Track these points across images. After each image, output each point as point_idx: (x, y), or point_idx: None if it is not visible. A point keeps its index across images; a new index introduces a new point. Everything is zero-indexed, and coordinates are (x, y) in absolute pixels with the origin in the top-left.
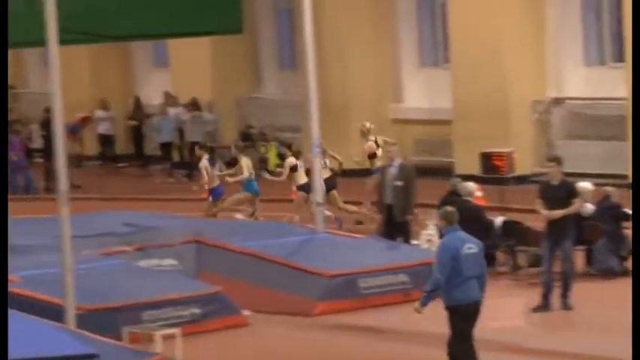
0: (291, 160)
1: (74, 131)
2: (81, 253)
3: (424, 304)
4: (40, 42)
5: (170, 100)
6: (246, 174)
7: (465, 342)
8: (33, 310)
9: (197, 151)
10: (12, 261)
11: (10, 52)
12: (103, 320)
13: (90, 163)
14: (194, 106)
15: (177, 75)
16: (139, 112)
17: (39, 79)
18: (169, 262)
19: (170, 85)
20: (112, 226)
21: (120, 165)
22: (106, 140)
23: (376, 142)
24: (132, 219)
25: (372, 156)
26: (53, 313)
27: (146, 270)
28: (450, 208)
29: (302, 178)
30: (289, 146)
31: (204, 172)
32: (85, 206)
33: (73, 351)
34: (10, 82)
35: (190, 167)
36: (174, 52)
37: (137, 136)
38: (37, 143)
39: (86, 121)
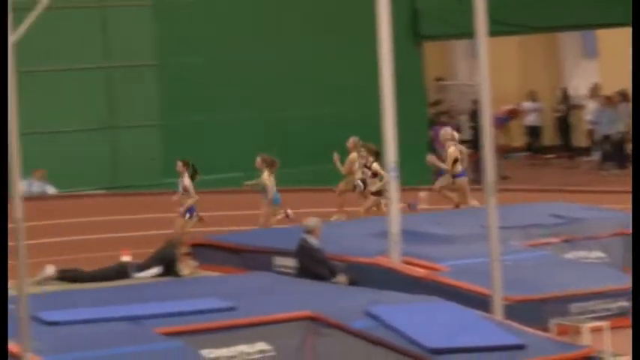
0: (375, 167)
1: (502, 123)
2: (508, 244)
3: None
4: (469, 34)
5: (597, 91)
6: (272, 188)
7: None
8: (458, 299)
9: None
10: (440, 250)
11: (439, 44)
12: (529, 311)
13: (517, 155)
14: (623, 96)
15: (606, 65)
16: (566, 103)
17: (467, 70)
18: (597, 254)
19: (599, 76)
20: (539, 218)
21: (548, 156)
22: (533, 132)
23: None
24: (559, 210)
25: (456, 161)
26: (479, 302)
27: (573, 262)
28: None
29: (377, 185)
30: (376, 153)
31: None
32: (512, 197)
33: (500, 341)
34: (438, 73)
35: (622, 159)
36: (605, 42)
37: (564, 127)
38: (466, 134)
39: (514, 113)
